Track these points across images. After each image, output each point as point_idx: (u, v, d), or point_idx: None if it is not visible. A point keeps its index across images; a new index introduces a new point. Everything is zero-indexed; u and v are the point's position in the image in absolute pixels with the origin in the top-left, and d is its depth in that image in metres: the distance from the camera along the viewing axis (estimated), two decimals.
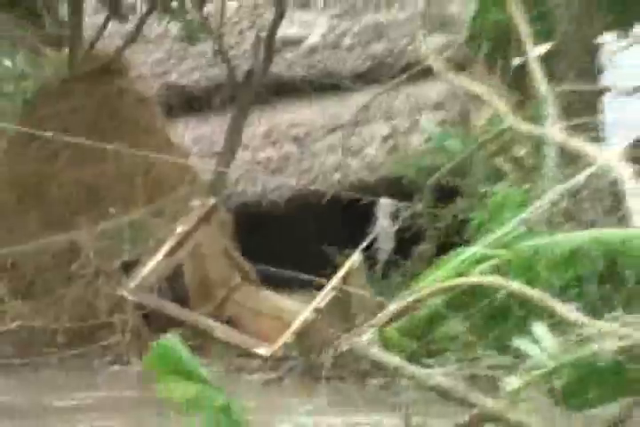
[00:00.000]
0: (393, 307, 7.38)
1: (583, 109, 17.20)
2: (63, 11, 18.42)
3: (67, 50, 17.06)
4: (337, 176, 18.90)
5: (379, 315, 7.31)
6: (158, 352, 4.80)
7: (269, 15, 17.89)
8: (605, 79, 18.75)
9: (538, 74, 14.58)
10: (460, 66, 17.38)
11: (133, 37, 17.28)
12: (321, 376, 11.95)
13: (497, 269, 6.96)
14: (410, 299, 7.10)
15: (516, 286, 5.39)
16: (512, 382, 6.45)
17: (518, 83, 17.73)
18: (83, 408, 13.04)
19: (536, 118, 14.55)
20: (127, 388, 14.07)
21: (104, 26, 17.14)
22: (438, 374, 5.27)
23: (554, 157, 13.30)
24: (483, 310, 8.27)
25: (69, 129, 15.53)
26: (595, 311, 5.38)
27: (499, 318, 8.67)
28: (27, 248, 15.32)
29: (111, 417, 12.64)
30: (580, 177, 5.88)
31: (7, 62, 16.53)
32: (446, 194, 15.23)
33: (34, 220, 15.68)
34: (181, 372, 4.90)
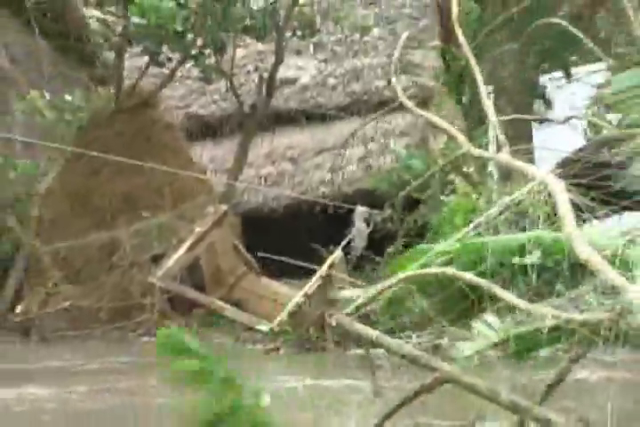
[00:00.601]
0: (370, 291, 6.98)
1: (518, 137, 17.46)
2: (110, 55, 17.98)
3: (112, 88, 17.19)
4: (323, 189, 18.81)
5: (359, 299, 6.83)
6: (164, 337, 4.82)
7: (270, 60, 17.90)
8: (553, 113, 19.22)
9: (488, 107, 14.59)
10: (423, 101, 17.91)
11: (169, 79, 17.48)
12: (310, 347, 11.93)
13: (452, 262, 6.59)
14: (381, 286, 6.73)
15: (467, 276, 5.42)
16: (466, 348, 6.52)
17: (468, 114, 18.32)
18: (114, 370, 13.17)
19: (481, 142, 14.24)
20: (153, 355, 14.35)
21: (145, 69, 17.12)
22: (408, 345, 5.32)
23: (495, 174, 13.44)
24: (444, 293, 8.78)
25: (112, 150, 15.57)
26: (535, 296, 5.40)
27: (457, 300, 10.06)
28: (77, 244, 15.40)
29: (134, 377, 12.52)
30: (523, 190, 5.96)
31: (67, 97, 16.53)
32: (411, 203, 15.26)
33: (83, 222, 15.81)
34: (185, 351, 4.90)
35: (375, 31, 20.46)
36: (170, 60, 16.92)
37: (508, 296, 4.71)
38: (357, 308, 9.03)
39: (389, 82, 17.50)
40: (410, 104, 15.68)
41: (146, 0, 15.91)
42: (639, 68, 10.88)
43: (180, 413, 5.43)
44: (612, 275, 3.20)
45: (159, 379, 12.16)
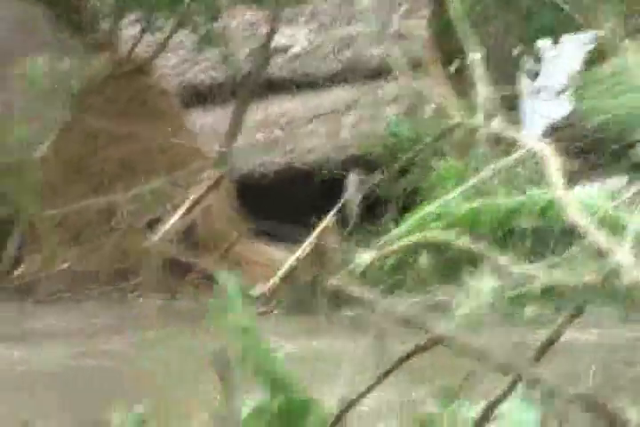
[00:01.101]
0: (366, 255, 6.90)
1: (506, 107, 18.27)
2: (104, 25, 17.91)
3: (107, 54, 17.14)
4: (314, 155, 18.87)
5: (355, 262, 6.73)
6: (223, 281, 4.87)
7: (263, 30, 17.91)
8: (540, 82, 19.00)
9: (479, 77, 14.87)
10: (413, 70, 19.19)
11: (163, 47, 17.40)
12: (302, 309, 12.16)
13: (447, 225, 6.51)
14: (376, 253, 6.62)
15: (461, 241, 5.24)
16: (461, 308, 6.66)
17: (458, 82, 18.66)
18: (101, 331, 13.31)
19: (472, 109, 16.11)
20: (149, 315, 14.25)
21: (140, 37, 17.13)
22: (402, 306, 5.20)
23: (484, 140, 14.50)
24: (439, 255, 8.88)
25: (108, 116, 15.67)
26: (527, 258, 5.32)
27: (454, 261, 10.40)
28: (75, 208, 15.37)
29: (127, 336, 12.83)
30: (514, 155, 5.74)
31: (64, 64, 16.75)
32: (402, 170, 15.57)
33: (80, 187, 15.85)
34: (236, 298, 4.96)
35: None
36: (161, 29, 17.08)
37: (502, 258, 4.57)
38: (364, 270, 9.74)
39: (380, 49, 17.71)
40: (402, 70, 16.39)
41: None
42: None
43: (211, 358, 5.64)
44: (599, 237, 3.05)
45: (141, 340, 12.08)
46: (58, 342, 12.40)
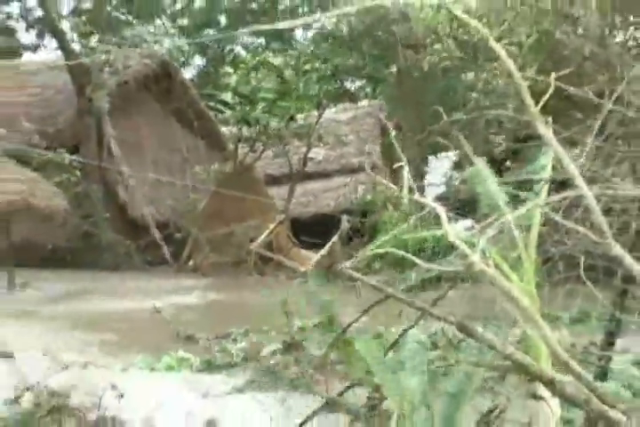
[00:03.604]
0: (361, 254, 7.24)
1: (417, 175, 18.55)
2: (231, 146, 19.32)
3: (232, 162, 18.83)
4: (327, 208, 22.16)
5: (355, 258, 6.80)
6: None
7: (304, 149, 19.72)
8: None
9: (404, 164, 16.64)
10: (373, 169, 20.61)
11: (259, 157, 18.79)
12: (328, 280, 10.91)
13: (393, 245, 6.74)
14: (368, 252, 7.09)
15: (399, 252, 4.77)
16: (411, 278, 8.40)
17: (396, 175, 19.03)
18: (231, 287, 14.29)
19: (401, 189, 16.73)
20: (253, 281, 14.71)
21: (246, 154, 18.44)
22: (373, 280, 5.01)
23: (407, 201, 14.82)
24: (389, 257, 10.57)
25: (233, 190, 16.78)
26: (430, 260, 4.69)
27: (397, 261, 11.38)
28: (216, 232, 17.07)
29: (242, 291, 13.59)
30: (423, 211, 4.67)
31: (212, 167, 19.62)
32: (365, 215, 16.67)
33: (219, 222, 17.47)
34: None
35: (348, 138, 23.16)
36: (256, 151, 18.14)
37: (418, 261, 3.93)
38: (365, 262, 10.33)
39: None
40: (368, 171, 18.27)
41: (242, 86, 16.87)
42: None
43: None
44: (465, 249, 2.87)
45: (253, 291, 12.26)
46: (206, 291, 13.54)
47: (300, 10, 23.48)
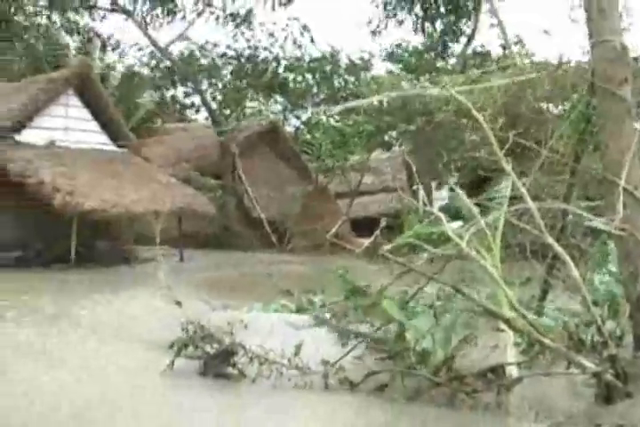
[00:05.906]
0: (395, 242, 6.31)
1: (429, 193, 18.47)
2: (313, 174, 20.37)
3: (311, 184, 20.98)
4: (373, 212, 22.46)
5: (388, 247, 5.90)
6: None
7: (358, 177, 21.30)
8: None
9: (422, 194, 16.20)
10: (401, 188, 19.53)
11: (331, 180, 21.07)
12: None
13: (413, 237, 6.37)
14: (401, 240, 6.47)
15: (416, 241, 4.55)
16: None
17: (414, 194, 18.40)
18: (304, 259, 14.84)
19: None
20: (321, 258, 14.95)
21: (316, 176, 20.59)
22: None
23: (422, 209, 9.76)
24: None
25: (313, 202, 19.00)
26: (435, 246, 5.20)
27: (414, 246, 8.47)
28: (303, 228, 18.68)
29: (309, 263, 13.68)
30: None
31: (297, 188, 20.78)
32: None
33: (308, 221, 18.52)
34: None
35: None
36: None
37: (427, 247, 4.00)
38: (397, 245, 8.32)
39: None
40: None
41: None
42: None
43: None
44: (456, 239, 2.80)
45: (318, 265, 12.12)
46: (298, 263, 13.78)
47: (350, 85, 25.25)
